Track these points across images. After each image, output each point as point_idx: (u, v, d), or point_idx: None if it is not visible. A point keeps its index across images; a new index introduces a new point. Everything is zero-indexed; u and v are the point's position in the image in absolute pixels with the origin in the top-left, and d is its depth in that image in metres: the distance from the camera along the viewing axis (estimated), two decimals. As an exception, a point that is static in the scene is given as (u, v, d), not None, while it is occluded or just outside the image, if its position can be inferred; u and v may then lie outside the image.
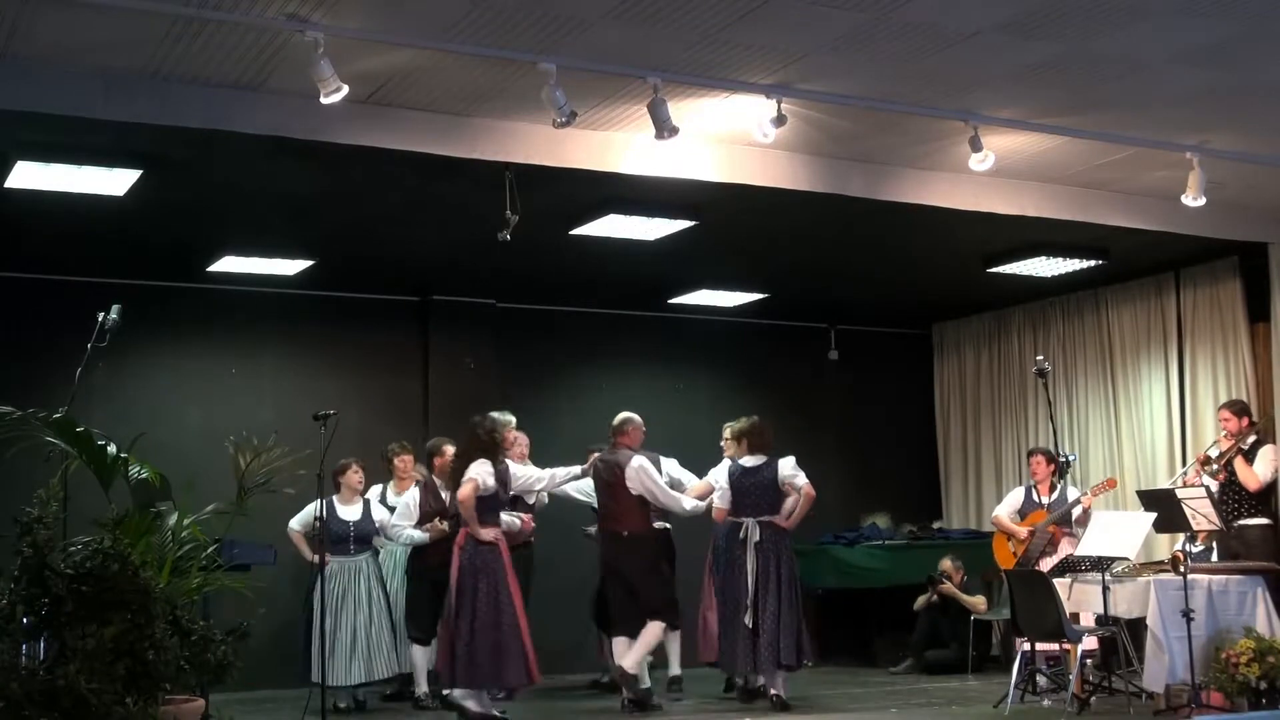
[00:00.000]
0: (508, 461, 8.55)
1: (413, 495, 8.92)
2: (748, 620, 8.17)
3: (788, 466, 8.44)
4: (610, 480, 8.56)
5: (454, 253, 9.67)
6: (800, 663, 8.32)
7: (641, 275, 10.51)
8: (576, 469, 8.81)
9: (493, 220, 7.51)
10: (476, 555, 7.79)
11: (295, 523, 8.97)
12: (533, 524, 8.80)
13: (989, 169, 7.46)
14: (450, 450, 8.70)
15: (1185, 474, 9.40)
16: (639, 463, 8.46)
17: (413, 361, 10.93)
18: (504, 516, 8.16)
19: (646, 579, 8.48)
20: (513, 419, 8.75)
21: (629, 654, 8.35)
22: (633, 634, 8.39)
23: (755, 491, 8.43)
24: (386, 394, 10.70)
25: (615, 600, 8.64)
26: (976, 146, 7.28)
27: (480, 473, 7.81)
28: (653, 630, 8.40)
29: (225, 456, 5.73)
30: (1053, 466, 9.40)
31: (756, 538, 8.29)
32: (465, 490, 7.77)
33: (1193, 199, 8.00)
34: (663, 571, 8.69)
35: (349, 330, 10.75)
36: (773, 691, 8.25)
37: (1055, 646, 8.46)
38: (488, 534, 7.80)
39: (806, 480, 8.43)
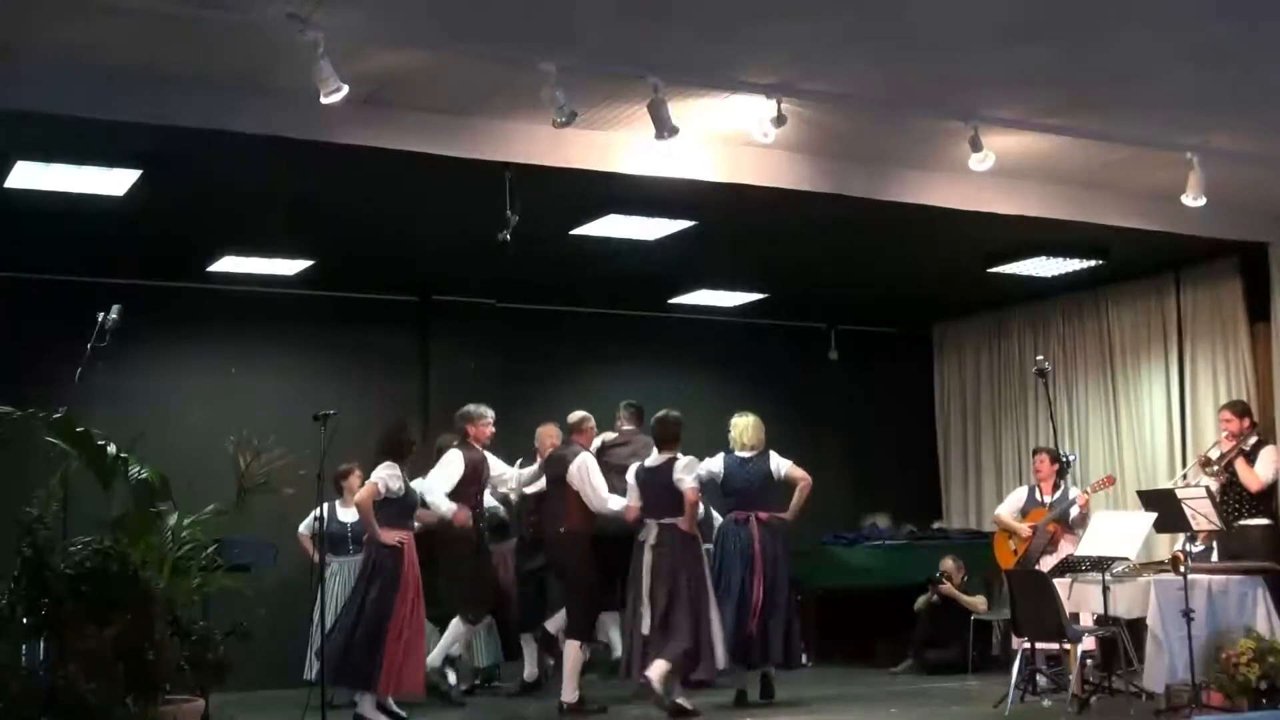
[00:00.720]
0: (486, 453, 8.73)
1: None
2: (644, 627, 7.92)
3: (679, 467, 8.14)
4: (555, 475, 8.55)
5: (454, 253, 9.67)
6: (696, 674, 8.00)
7: (641, 275, 10.51)
8: (535, 467, 8.92)
9: (493, 220, 7.50)
10: (378, 557, 7.82)
11: (303, 527, 9.12)
12: (465, 515, 8.51)
13: (989, 169, 7.46)
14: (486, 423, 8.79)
15: (1185, 474, 9.40)
16: (582, 459, 8.41)
17: (413, 361, 10.93)
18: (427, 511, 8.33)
19: (571, 584, 8.43)
20: (489, 413, 8.82)
21: (564, 688, 8.23)
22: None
23: (654, 491, 8.15)
24: (386, 394, 10.69)
25: (551, 597, 8.71)
26: (976, 146, 7.28)
27: (383, 476, 7.85)
28: (571, 652, 8.28)
29: (225, 456, 5.73)
30: (1055, 466, 9.39)
31: (652, 540, 8.06)
32: (364, 493, 7.85)
33: (1193, 199, 8.01)
34: (587, 578, 8.38)
35: (349, 330, 10.75)
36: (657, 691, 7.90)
37: (1055, 646, 8.46)
38: (389, 537, 7.81)
39: (692, 484, 8.07)
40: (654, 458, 8.24)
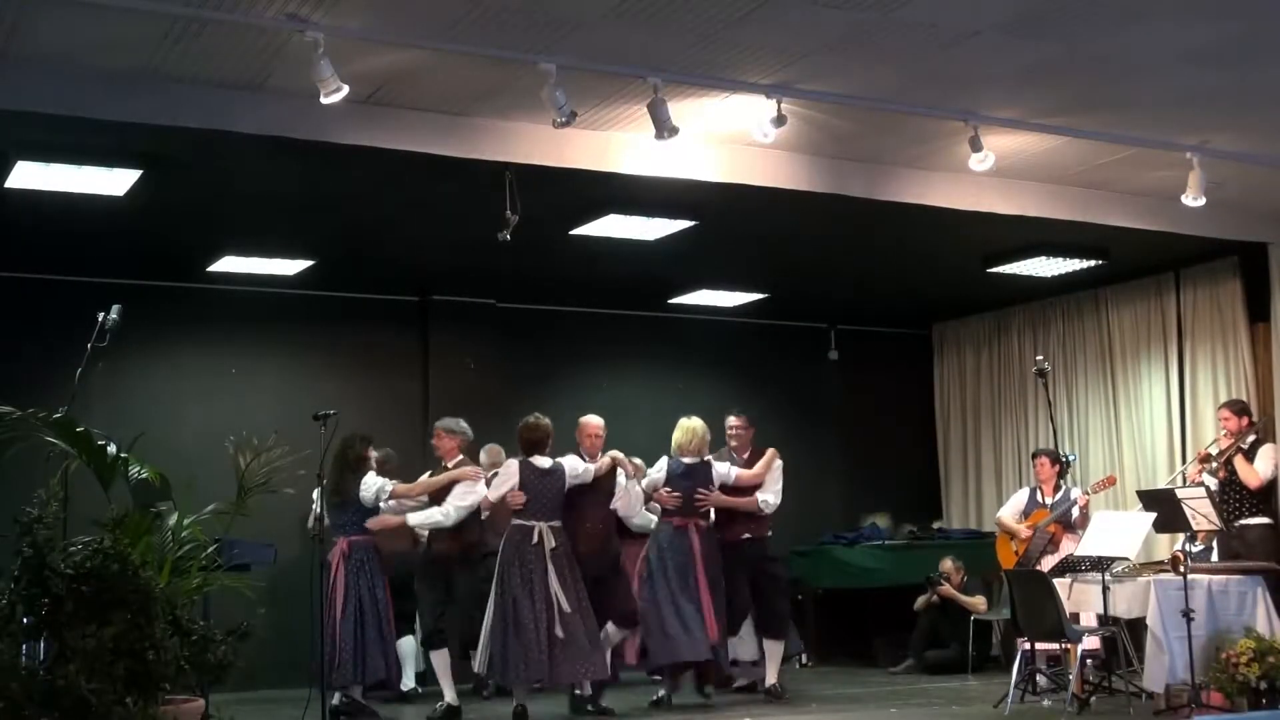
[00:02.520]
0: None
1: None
2: (559, 631, 7.71)
3: (571, 469, 8.11)
4: None
5: (454, 253, 9.67)
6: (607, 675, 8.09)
7: (641, 275, 10.51)
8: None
9: (493, 220, 7.51)
10: (373, 559, 8.10)
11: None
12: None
13: (989, 169, 7.46)
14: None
15: (1185, 470, 9.41)
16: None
17: (413, 361, 10.93)
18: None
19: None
20: (438, 425, 8.61)
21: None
22: None
23: (549, 494, 8.01)
24: (386, 394, 10.69)
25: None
26: (976, 146, 7.28)
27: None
28: None
29: (225, 456, 5.73)
30: (1056, 467, 9.39)
31: (552, 544, 7.88)
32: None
33: (1193, 199, 8.01)
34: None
35: (349, 330, 10.75)
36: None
37: (1055, 646, 8.46)
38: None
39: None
40: (540, 459, 8.05)
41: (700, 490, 8.49)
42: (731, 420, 8.92)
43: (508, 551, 7.90)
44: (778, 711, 8.26)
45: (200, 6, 5.69)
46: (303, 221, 8.80)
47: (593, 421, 8.56)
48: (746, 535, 8.72)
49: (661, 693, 8.55)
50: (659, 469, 8.54)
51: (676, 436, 8.58)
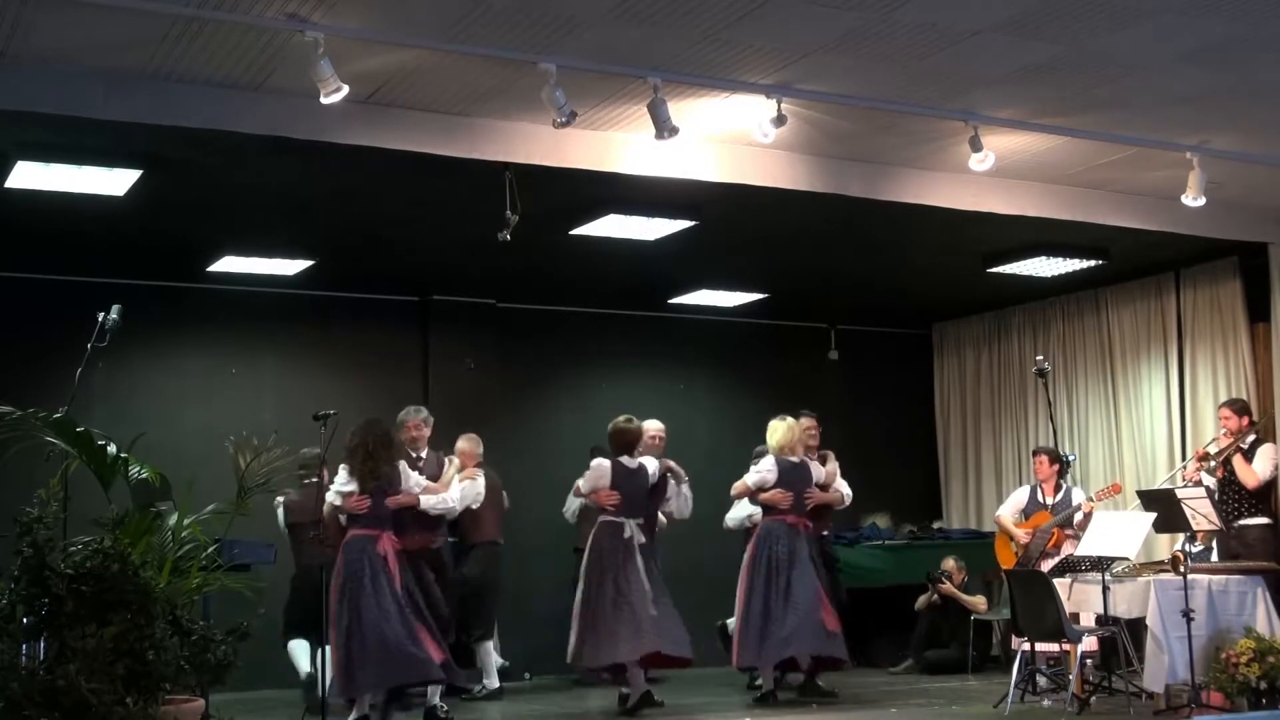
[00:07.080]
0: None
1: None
2: (652, 610, 8.15)
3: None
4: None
5: (454, 253, 9.67)
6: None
7: (641, 275, 10.51)
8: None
9: (493, 220, 7.51)
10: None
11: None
12: None
13: (989, 169, 7.46)
14: None
15: (1185, 467, 9.41)
16: None
17: (413, 361, 10.93)
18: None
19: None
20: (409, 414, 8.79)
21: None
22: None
23: (635, 494, 8.48)
24: (386, 394, 10.66)
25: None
26: (976, 146, 7.28)
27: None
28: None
29: (225, 456, 5.74)
30: (1056, 466, 9.39)
31: (641, 539, 8.34)
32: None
33: (1193, 199, 8.01)
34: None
35: (349, 330, 10.75)
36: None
37: (1055, 646, 8.46)
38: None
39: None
40: (628, 460, 8.48)
41: (808, 490, 8.88)
42: (807, 421, 9.24)
43: (598, 545, 8.31)
44: (778, 712, 8.26)
45: (200, 6, 5.69)
46: (303, 221, 8.80)
47: (653, 425, 9.21)
48: (825, 532, 9.39)
49: (759, 683, 8.81)
50: (768, 468, 8.78)
51: (780, 438, 8.88)
